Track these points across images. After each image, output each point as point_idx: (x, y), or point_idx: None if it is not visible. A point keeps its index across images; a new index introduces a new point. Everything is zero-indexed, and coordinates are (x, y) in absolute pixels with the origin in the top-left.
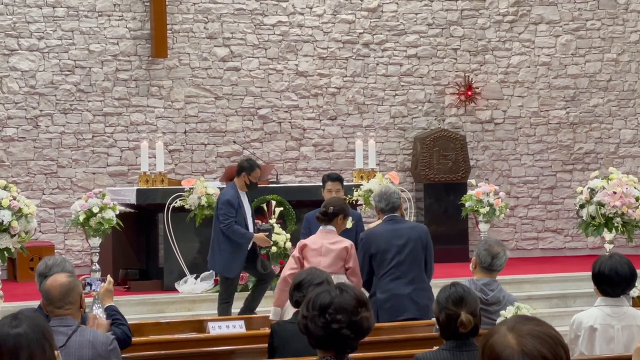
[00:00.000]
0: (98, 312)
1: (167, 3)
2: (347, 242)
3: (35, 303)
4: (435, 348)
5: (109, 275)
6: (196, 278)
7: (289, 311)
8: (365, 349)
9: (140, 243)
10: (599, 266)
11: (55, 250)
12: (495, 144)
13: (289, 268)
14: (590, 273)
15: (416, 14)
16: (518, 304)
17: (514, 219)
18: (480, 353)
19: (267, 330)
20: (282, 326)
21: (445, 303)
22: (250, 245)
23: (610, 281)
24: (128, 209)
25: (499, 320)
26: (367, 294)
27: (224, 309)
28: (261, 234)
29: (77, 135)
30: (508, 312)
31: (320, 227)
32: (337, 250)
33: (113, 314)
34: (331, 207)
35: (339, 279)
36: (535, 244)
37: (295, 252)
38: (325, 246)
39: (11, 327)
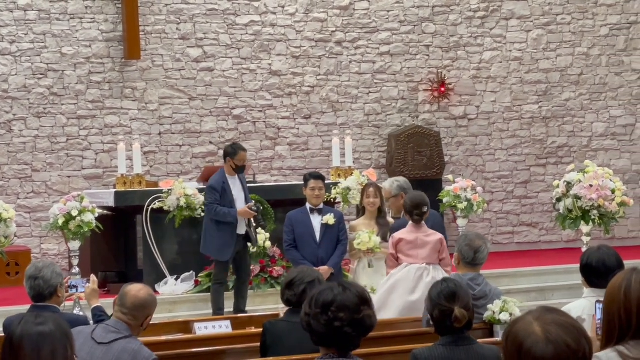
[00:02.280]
0: (80, 314)
1: (139, 4)
2: (439, 235)
3: (18, 308)
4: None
5: (92, 275)
6: (176, 279)
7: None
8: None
9: (118, 245)
10: (586, 258)
11: (32, 255)
12: (469, 139)
13: (392, 267)
14: (567, 266)
15: (388, 11)
16: (505, 298)
17: (489, 213)
18: (504, 340)
19: (254, 330)
20: (275, 325)
21: (437, 299)
22: (243, 231)
23: (598, 273)
24: (106, 212)
25: (486, 314)
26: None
27: (216, 289)
28: (243, 208)
29: (51, 139)
30: (495, 306)
31: (411, 222)
32: (432, 242)
33: (100, 315)
34: (425, 207)
35: (436, 269)
36: (511, 238)
37: (390, 250)
38: (421, 239)
39: (35, 325)
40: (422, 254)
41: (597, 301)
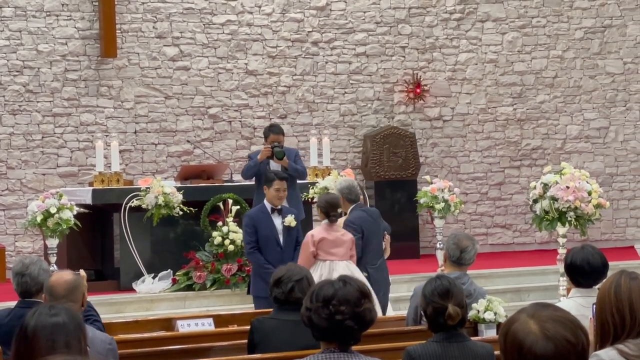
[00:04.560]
0: None
1: (115, 3)
2: (350, 234)
3: (1, 304)
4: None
5: (82, 271)
6: (154, 278)
7: None
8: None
9: (95, 243)
10: (571, 258)
11: (6, 253)
12: (444, 140)
13: (307, 264)
14: (543, 267)
15: (364, 12)
16: (489, 297)
17: (463, 215)
18: (502, 341)
19: (237, 327)
20: (263, 322)
21: (431, 296)
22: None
23: (583, 272)
24: (83, 210)
25: (471, 313)
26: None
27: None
28: (262, 150)
29: (26, 136)
30: (480, 305)
31: (325, 222)
32: (348, 241)
33: (88, 311)
34: (339, 209)
35: (349, 266)
36: (485, 240)
37: (310, 248)
38: (339, 238)
39: (49, 316)
40: (341, 251)
41: (594, 304)
